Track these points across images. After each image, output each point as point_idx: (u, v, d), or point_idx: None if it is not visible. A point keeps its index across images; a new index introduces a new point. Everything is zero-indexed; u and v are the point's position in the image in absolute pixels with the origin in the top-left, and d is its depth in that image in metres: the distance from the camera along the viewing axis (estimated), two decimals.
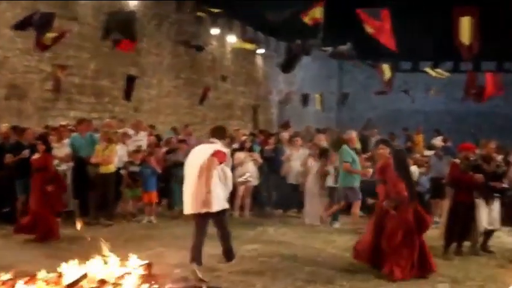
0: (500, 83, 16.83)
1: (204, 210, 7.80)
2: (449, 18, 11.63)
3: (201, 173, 7.74)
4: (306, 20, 14.37)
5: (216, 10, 15.19)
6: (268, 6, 15.31)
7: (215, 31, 24.52)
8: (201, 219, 8.01)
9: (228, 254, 8.37)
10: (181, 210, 12.51)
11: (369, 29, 12.16)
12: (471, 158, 9.99)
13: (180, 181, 12.55)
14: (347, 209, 12.40)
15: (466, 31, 11.34)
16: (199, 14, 15.26)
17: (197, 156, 7.96)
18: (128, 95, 17.27)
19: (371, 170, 11.81)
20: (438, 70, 19.91)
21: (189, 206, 7.98)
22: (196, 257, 7.91)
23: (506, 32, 25.59)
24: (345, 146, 12.13)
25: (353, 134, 12.64)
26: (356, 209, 12.05)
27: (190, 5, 22.41)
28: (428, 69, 20.31)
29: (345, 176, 11.97)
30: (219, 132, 8.42)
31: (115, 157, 12.21)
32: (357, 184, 12.04)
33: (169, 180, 12.99)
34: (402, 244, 8.04)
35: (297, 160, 13.59)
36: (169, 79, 21.96)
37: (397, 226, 8.07)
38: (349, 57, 19.52)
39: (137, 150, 13.01)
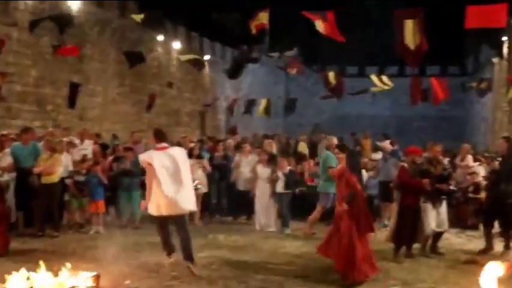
0: (445, 87, 17.15)
1: (188, 210, 8.32)
2: (395, 22, 11.73)
3: (183, 175, 8.05)
4: (252, 26, 14.30)
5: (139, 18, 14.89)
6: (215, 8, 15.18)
7: (160, 37, 24.26)
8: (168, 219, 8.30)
9: (191, 255, 8.40)
10: (129, 219, 12.46)
11: (318, 26, 12.16)
12: (418, 162, 10.09)
13: (127, 189, 12.44)
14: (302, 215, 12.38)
15: (410, 34, 11.45)
16: (134, 16, 14.90)
17: (173, 159, 8.10)
18: (72, 102, 16.86)
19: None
20: (384, 78, 20.11)
21: (173, 207, 8.13)
22: (171, 248, 8.37)
23: (450, 38, 26.24)
24: (328, 152, 12.00)
25: (334, 140, 12.46)
26: (318, 214, 11.96)
27: (134, 11, 22.06)
28: (373, 77, 20.51)
29: (325, 181, 11.80)
30: (165, 136, 8.58)
31: (59, 167, 11.86)
32: (333, 191, 11.85)
33: (116, 189, 12.70)
34: (354, 244, 8.04)
35: (247, 166, 13.51)
36: (114, 86, 21.60)
37: (349, 227, 8.09)
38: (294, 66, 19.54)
39: (83, 159, 12.74)
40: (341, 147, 9.16)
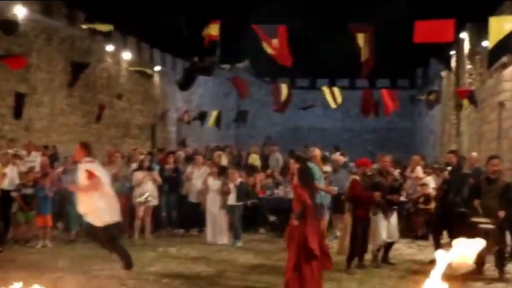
0: (396, 99, 17.38)
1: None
2: (346, 36, 11.88)
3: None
4: (204, 36, 14.21)
5: (107, 28, 14.58)
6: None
7: (109, 48, 23.93)
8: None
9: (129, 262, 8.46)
10: (77, 233, 12.16)
11: (266, 47, 12.19)
12: (368, 173, 10.16)
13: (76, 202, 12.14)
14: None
15: (361, 48, 11.62)
16: (85, 26, 14.60)
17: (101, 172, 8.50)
18: (17, 113, 16.38)
19: (336, 188, 11.63)
20: (335, 91, 20.25)
21: (115, 213, 8.44)
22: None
23: (399, 51, 26.72)
24: (313, 164, 11.93)
25: (317, 151, 12.41)
26: None
27: (82, 20, 21.68)
28: (324, 89, 20.64)
29: None
30: (91, 150, 8.78)
31: (3, 179, 11.50)
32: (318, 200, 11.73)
33: (64, 202, 12.38)
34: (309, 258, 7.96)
35: (199, 179, 13.39)
36: (62, 97, 21.14)
37: (303, 239, 7.99)
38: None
39: (30, 172, 12.37)
40: (297, 157, 9.05)
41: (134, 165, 13.54)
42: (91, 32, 14.64)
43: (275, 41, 12.09)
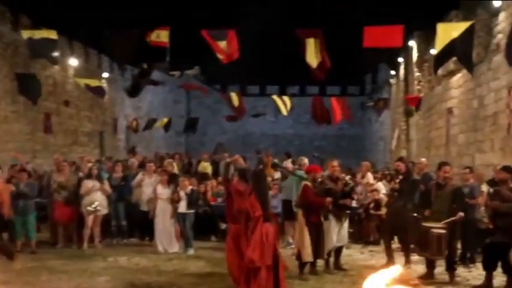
0: (346, 106, 17.50)
1: None
2: (295, 42, 11.84)
3: None
4: (149, 40, 13.89)
5: (50, 35, 14.08)
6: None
7: (56, 54, 23.34)
8: None
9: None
10: (24, 244, 11.80)
11: (215, 52, 12.07)
12: (318, 179, 10.17)
13: (22, 213, 11.78)
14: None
15: (312, 52, 11.61)
16: (27, 34, 14.07)
17: None
18: None
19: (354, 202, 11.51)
20: (285, 98, 20.29)
21: None
22: None
23: (349, 58, 26.99)
24: (301, 172, 11.92)
25: (306, 160, 12.49)
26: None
27: (27, 26, 21.12)
28: (274, 97, 20.67)
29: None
30: None
31: None
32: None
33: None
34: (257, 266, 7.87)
35: (149, 186, 13.16)
36: (6, 104, 20.50)
37: (252, 247, 7.90)
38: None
39: None
40: (242, 172, 8.88)
41: (81, 173, 13.25)
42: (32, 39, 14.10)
43: (223, 43, 11.97)
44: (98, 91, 17.20)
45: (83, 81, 17.84)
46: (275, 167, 15.57)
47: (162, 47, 14.28)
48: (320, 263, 10.07)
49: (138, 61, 25.16)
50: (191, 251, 12.10)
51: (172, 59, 16.40)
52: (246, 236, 7.87)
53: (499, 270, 8.79)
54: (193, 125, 23.93)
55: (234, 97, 18.59)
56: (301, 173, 12.21)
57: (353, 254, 11.86)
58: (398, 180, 10.64)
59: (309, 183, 10.16)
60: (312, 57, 11.51)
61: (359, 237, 13.32)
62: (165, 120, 23.07)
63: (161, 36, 14.00)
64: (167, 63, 32.30)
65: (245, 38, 12.82)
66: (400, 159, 11.80)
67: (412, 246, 10.29)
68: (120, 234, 13.69)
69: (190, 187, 12.63)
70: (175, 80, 28.27)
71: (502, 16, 14.91)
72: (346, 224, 10.40)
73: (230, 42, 11.97)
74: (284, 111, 19.96)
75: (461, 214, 9.23)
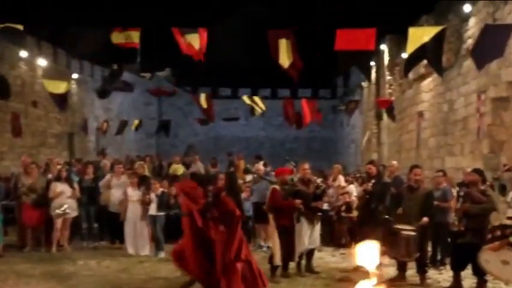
0: (316, 109, 17.53)
1: None
2: (266, 44, 11.80)
3: None
4: (118, 41, 13.66)
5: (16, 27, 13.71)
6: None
7: (23, 53, 22.98)
8: None
9: None
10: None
11: (183, 48, 11.95)
12: (290, 182, 10.24)
13: None
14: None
15: (284, 53, 11.59)
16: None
17: None
18: None
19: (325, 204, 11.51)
20: (257, 100, 20.27)
21: None
22: None
23: (321, 61, 27.06)
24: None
25: (306, 165, 12.36)
26: None
27: None
28: (245, 99, 20.63)
29: None
30: None
31: None
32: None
33: None
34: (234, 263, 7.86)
35: (119, 188, 13.00)
36: None
37: (229, 246, 7.90)
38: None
39: None
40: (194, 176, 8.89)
41: (50, 175, 13.05)
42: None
43: (191, 36, 11.86)
44: (60, 101, 16.61)
45: (49, 85, 17.32)
46: (247, 172, 15.56)
47: (133, 48, 14.11)
48: (292, 265, 10.06)
49: (108, 62, 24.90)
50: (162, 254, 12.00)
51: (142, 60, 16.20)
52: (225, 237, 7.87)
53: (469, 272, 8.86)
54: (166, 127, 23.73)
55: (203, 99, 18.49)
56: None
57: (325, 257, 11.90)
58: (371, 184, 10.68)
59: (277, 187, 10.17)
60: (284, 57, 11.49)
61: (330, 239, 13.33)
62: (136, 122, 22.88)
63: (132, 37, 13.85)
64: (138, 65, 32.07)
65: (217, 40, 12.75)
66: (371, 162, 11.87)
67: (383, 248, 10.33)
68: (91, 237, 13.52)
69: (161, 189, 12.55)
70: (146, 81, 28.00)
71: (472, 21, 15.11)
72: (318, 227, 10.41)
73: (200, 40, 11.87)
74: (259, 111, 19.98)
75: (426, 219, 9.29)
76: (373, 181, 10.67)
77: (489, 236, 7.48)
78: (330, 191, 13.66)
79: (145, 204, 12.20)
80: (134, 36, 13.81)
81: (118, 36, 13.16)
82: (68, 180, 12.66)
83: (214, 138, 35.28)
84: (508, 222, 7.45)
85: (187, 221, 8.02)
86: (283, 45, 11.46)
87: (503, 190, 11.78)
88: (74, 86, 27.41)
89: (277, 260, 9.55)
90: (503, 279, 7.79)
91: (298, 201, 9.84)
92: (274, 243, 9.60)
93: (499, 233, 7.27)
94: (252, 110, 20.41)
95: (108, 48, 13.96)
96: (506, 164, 12.07)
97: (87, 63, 29.10)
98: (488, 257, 7.40)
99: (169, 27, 12.32)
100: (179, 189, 8.43)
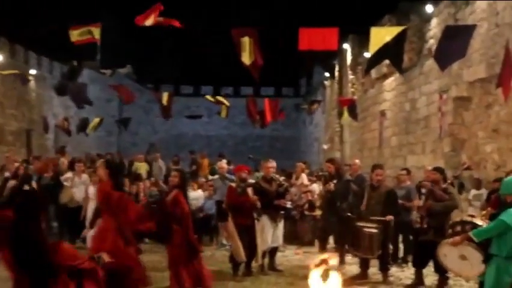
0: (277, 108, 17.51)
1: None
2: (229, 43, 11.74)
3: None
4: (75, 36, 13.37)
5: None
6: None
7: None
8: None
9: None
10: None
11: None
12: (248, 179, 10.22)
13: None
14: None
15: (246, 51, 11.54)
16: None
17: None
18: None
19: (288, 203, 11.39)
20: (220, 98, 20.21)
21: None
22: None
23: (284, 60, 27.10)
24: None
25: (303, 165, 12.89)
26: None
27: None
28: (208, 97, 20.54)
29: None
30: None
31: None
32: None
33: None
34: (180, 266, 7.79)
35: (80, 186, 12.77)
36: None
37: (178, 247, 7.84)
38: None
39: None
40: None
41: (7, 174, 12.72)
42: None
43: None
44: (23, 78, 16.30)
45: (9, 72, 16.94)
46: (213, 173, 15.56)
47: (93, 44, 13.87)
48: (255, 264, 9.96)
49: (67, 58, 24.51)
50: None
51: (102, 56, 15.96)
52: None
53: (432, 269, 8.92)
54: (125, 124, 23.48)
55: (165, 97, 18.32)
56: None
57: (288, 255, 11.84)
58: (333, 184, 10.70)
59: (233, 184, 10.11)
60: (246, 55, 11.45)
61: (293, 238, 13.30)
62: (97, 120, 22.54)
63: (93, 33, 13.61)
64: (98, 62, 31.68)
65: (179, 37, 12.63)
66: (330, 160, 11.89)
67: (346, 246, 10.35)
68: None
69: None
70: (107, 78, 27.66)
71: (434, 22, 15.28)
72: (281, 225, 10.34)
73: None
74: (225, 111, 19.96)
75: (391, 217, 9.34)
76: (335, 181, 10.69)
77: (449, 231, 7.52)
78: (293, 189, 13.65)
79: None
80: (95, 33, 13.58)
81: (77, 33, 12.94)
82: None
83: (175, 136, 34.99)
84: (469, 218, 7.50)
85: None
86: (246, 43, 11.41)
87: (461, 188, 11.96)
88: (32, 82, 26.88)
89: (241, 257, 9.43)
90: (463, 275, 7.83)
91: (254, 197, 9.73)
92: (235, 241, 9.49)
93: (459, 228, 7.30)
94: (220, 111, 20.39)
95: (67, 44, 13.68)
96: (465, 162, 12.23)
97: (46, 59, 28.56)
98: (446, 252, 7.44)
99: (131, 23, 12.15)
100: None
